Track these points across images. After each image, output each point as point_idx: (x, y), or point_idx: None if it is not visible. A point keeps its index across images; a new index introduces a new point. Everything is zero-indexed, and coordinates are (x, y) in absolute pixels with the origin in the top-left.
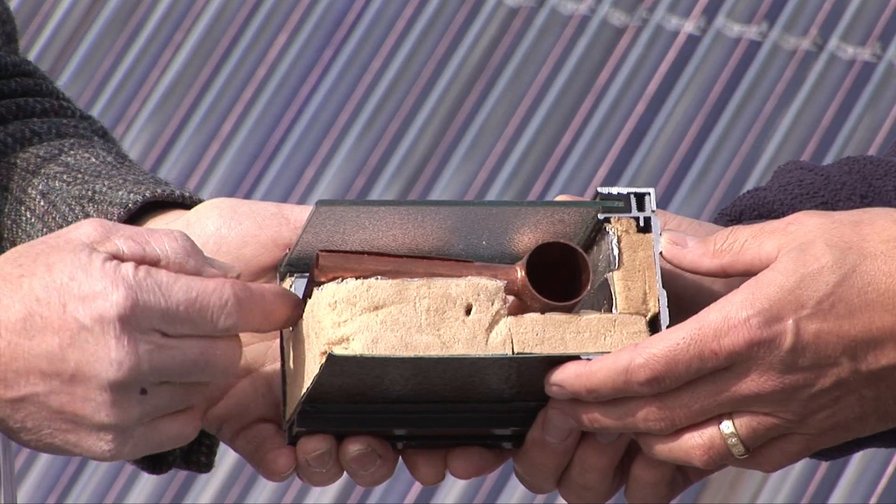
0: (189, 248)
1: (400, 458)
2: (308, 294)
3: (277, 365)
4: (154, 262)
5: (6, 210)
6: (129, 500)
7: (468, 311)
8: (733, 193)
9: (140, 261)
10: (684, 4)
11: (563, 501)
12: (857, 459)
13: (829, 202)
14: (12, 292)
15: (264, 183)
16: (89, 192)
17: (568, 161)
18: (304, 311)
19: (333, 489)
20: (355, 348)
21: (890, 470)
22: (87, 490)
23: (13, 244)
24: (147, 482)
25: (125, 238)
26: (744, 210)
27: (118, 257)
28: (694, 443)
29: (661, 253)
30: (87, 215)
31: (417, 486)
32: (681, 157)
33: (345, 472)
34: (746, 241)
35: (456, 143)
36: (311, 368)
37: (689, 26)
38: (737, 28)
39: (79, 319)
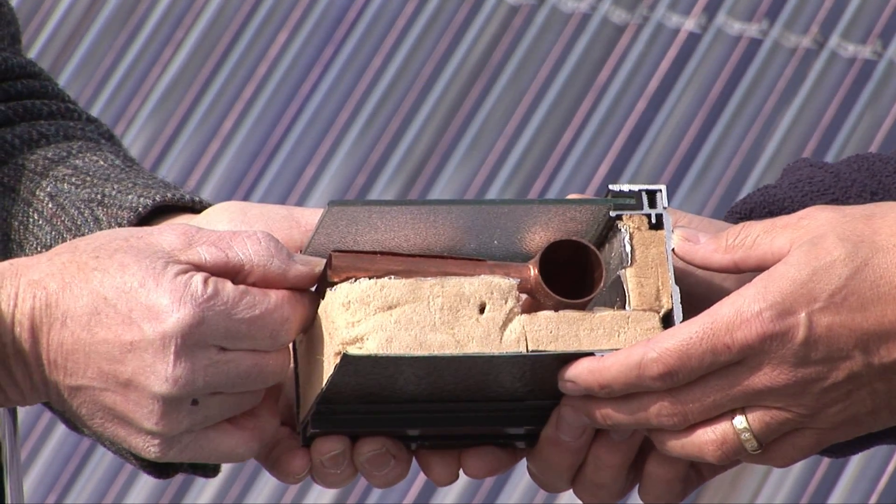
0: (273, 248)
1: (413, 458)
2: (321, 294)
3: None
4: (237, 269)
5: (14, 211)
6: (129, 498)
7: (482, 310)
8: (734, 191)
9: (223, 268)
10: (685, 2)
11: (567, 502)
12: (858, 457)
13: (839, 199)
14: (83, 283)
15: (265, 181)
16: (98, 196)
17: (569, 159)
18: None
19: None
20: (370, 348)
21: (890, 468)
22: (87, 488)
23: (20, 246)
24: (147, 480)
25: (208, 245)
26: (754, 207)
27: (199, 266)
28: (707, 438)
29: (673, 249)
30: (96, 219)
31: (417, 486)
32: (682, 155)
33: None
34: (758, 236)
35: (456, 141)
36: (326, 369)
37: (689, 24)
38: (737, 26)
39: (142, 329)
